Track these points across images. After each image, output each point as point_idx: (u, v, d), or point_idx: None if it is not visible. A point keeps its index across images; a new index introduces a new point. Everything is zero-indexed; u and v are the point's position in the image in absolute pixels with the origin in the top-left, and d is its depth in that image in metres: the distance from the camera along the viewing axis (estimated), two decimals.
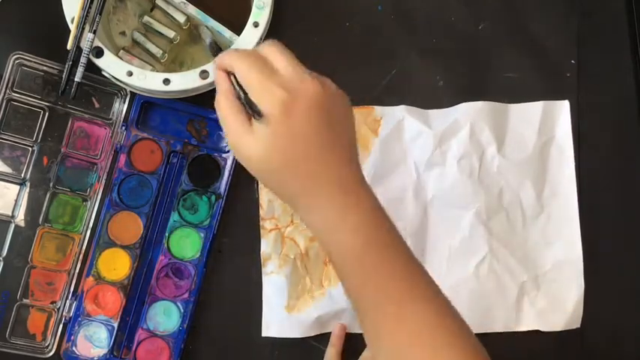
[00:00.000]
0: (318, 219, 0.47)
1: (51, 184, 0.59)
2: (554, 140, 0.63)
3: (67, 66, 0.56)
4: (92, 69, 0.57)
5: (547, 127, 0.63)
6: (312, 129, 0.46)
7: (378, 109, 0.62)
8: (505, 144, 0.63)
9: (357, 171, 0.48)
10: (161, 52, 0.61)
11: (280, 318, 0.61)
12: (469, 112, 0.62)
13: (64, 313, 0.59)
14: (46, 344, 0.59)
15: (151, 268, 0.60)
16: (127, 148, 0.60)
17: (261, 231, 0.61)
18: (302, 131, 0.45)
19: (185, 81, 0.56)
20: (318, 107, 0.46)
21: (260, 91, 0.45)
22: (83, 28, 0.55)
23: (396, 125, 0.62)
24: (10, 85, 0.58)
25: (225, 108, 0.47)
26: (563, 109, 0.63)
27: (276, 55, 0.47)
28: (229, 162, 0.61)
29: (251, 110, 0.45)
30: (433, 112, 0.63)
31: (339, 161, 0.47)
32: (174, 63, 0.62)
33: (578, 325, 0.62)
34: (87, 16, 0.55)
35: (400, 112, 0.62)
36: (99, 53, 0.56)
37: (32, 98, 0.59)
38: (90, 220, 0.60)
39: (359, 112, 0.62)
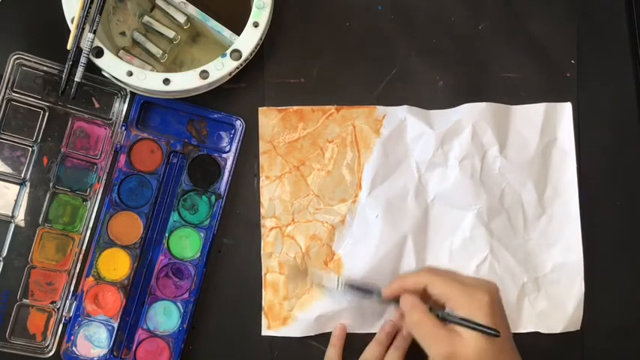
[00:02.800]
0: None
1: (51, 184, 0.59)
2: (556, 142, 0.63)
3: (67, 66, 0.56)
4: (92, 69, 0.57)
5: (549, 128, 0.63)
6: (506, 323, 0.53)
7: (380, 109, 0.62)
8: (507, 145, 0.63)
9: None
10: (161, 52, 0.61)
11: (281, 318, 0.61)
12: (471, 113, 0.62)
13: (64, 313, 0.59)
14: (46, 344, 0.59)
15: (151, 268, 0.60)
16: (127, 148, 0.60)
17: (262, 230, 0.61)
18: (504, 328, 0.52)
19: (185, 81, 0.56)
20: (500, 301, 0.54)
21: (462, 295, 0.52)
22: (83, 28, 0.55)
23: (398, 125, 0.62)
24: (10, 85, 0.59)
25: (430, 324, 0.52)
26: (565, 110, 0.63)
27: (441, 270, 0.56)
28: (229, 162, 0.61)
29: (480, 327, 0.51)
30: (435, 113, 0.63)
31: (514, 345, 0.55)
32: (175, 63, 0.62)
33: (578, 328, 0.62)
34: (87, 16, 0.55)
35: (402, 112, 0.62)
36: (99, 53, 0.56)
37: (32, 98, 0.59)
38: (90, 220, 0.60)
39: (361, 112, 0.62)
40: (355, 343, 0.60)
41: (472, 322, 0.51)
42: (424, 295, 0.54)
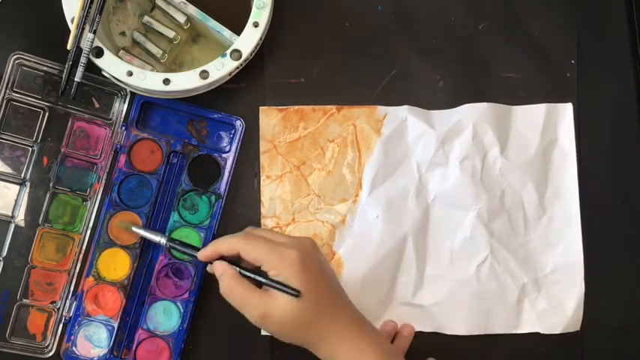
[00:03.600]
0: (340, 349, 0.53)
1: (51, 184, 0.59)
2: (557, 143, 0.63)
3: (67, 66, 0.56)
4: (92, 69, 0.57)
5: (550, 129, 0.63)
6: (323, 277, 0.53)
7: (381, 109, 0.62)
8: (508, 146, 0.63)
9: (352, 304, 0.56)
10: (161, 52, 0.61)
11: None
12: (472, 114, 0.62)
13: (64, 313, 0.59)
14: (46, 344, 0.59)
15: (151, 268, 0.60)
16: (127, 148, 0.60)
17: None
18: (318, 282, 0.53)
19: (185, 81, 0.56)
20: (317, 256, 0.54)
21: (272, 256, 0.52)
22: (83, 28, 0.55)
23: (399, 125, 0.62)
24: (10, 85, 0.59)
25: (240, 289, 0.52)
26: (566, 111, 0.64)
27: (259, 231, 0.56)
28: (229, 162, 0.61)
29: (280, 286, 0.51)
30: (436, 113, 0.63)
31: (345, 296, 0.56)
32: (175, 63, 0.62)
33: (578, 328, 0.62)
34: (87, 16, 0.55)
35: (403, 112, 0.62)
36: (99, 53, 0.56)
37: (32, 98, 0.59)
38: (90, 220, 0.60)
39: (362, 112, 0.62)
40: None
41: (274, 281, 0.51)
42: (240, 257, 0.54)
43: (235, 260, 0.54)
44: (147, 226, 0.60)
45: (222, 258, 0.54)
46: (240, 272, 0.53)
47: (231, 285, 0.53)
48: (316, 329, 0.52)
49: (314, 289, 0.52)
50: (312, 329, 0.52)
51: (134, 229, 0.59)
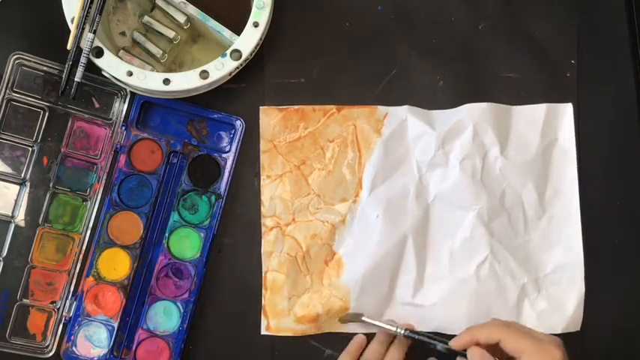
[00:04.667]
0: None
1: (51, 184, 0.59)
2: (557, 143, 0.63)
3: (67, 66, 0.56)
4: (92, 69, 0.57)
5: (550, 129, 0.63)
6: None
7: (382, 109, 0.62)
8: (508, 146, 0.63)
9: None
10: (161, 52, 0.61)
11: (280, 317, 0.61)
12: (472, 113, 0.62)
13: (64, 313, 0.59)
14: (46, 344, 0.59)
15: (151, 268, 0.60)
16: (127, 148, 0.60)
17: (262, 229, 0.61)
18: None
19: (185, 81, 0.56)
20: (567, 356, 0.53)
21: (536, 350, 0.52)
22: (83, 28, 0.55)
23: (399, 125, 0.62)
24: (10, 85, 0.59)
25: None
26: (566, 111, 0.64)
27: (516, 323, 0.55)
28: (229, 162, 0.61)
29: None
30: (436, 113, 0.63)
31: None
32: (175, 63, 0.62)
33: (578, 328, 0.62)
34: (87, 16, 0.55)
35: (403, 112, 0.62)
36: (99, 53, 0.56)
37: (32, 98, 0.59)
38: (90, 220, 0.60)
39: (362, 112, 0.62)
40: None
41: None
42: (493, 348, 0.53)
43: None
44: (147, 227, 0.60)
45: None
46: None
47: None
48: None
49: None
50: None
51: (364, 319, 0.58)
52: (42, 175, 0.60)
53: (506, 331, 0.53)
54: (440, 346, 0.55)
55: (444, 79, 0.63)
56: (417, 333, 0.57)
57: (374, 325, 0.58)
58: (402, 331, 0.57)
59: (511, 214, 0.62)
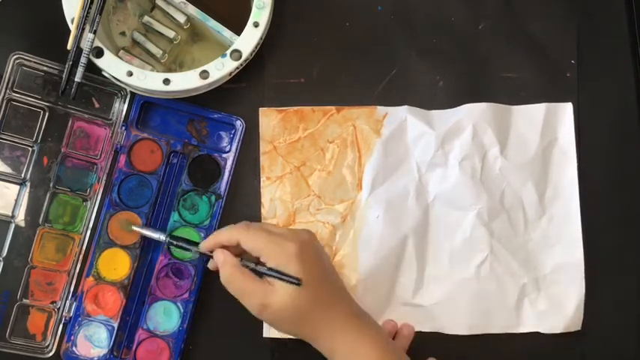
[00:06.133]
0: (340, 341, 0.53)
1: (51, 184, 0.59)
2: (557, 142, 0.63)
3: (67, 66, 0.56)
4: (92, 69, 0.57)
5: (550, 129, 0.63)
6: (321, 269, 0.54)
7: (381, 109, 0.62)
8: (508, 145, 0.63)
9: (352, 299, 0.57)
10: (161, 52, 0.61)
11: None
12: (472, 114, 0.62)
13: (64, 313, 0.59)
14: (46, 344, 0.59)
15: (151, 268, 0.60)
16: (127, 148, 0.60)
17: None
18: (316, 274, 0.53)
19: (185, 81, 0.56)
20: (315, 248, 0.55)
21: (271, 247, 0.53)
22: (83, 28, 0.55)
23: (399, 125, 0.62)
24: (10, 85, 0.59)
25: (241, 278, 0.53)
26: (566, 111, 0.63)
27: (258, 224, 0.57)
28: (229, 162, 0.61)
29: (281, 276, 0.52)
30: (436, 113, 0.63)
31: (345, 290, 0.57)
32: (175, 63, 0.62)
33: (579, 328, 0.62)
34: (87, 16, 0.55)
35: (403, 112, 0.62)
36: (99, 53, 0.56)
37: (32, 98, 0.59)
38: (90, 220, 0.60)
39: (361, 112, 0.62)
40: None
41: (275, 271, 0.52)
42: (240, 249, 0.54)
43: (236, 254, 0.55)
44: (147, 226, 0.60)
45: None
46: (241, 262, 0.54)
47: (231, 273, 0.53)
48: (315, 320, 0.53)
49: (312, 280, 0.52)
50: (310, 320, 0.53)
51: (134, 227, 0.59)
52: (42, 175, 0.60)
53: (244, 232, 0.54)
54: (193, 251, 0.57)
55: (444, 79, 0.63)
56: (176, 239, 0.57)
57: (143, 234, 0.59)
58: (164, 237, 0.58)
59: (511, 214, 0.62)
